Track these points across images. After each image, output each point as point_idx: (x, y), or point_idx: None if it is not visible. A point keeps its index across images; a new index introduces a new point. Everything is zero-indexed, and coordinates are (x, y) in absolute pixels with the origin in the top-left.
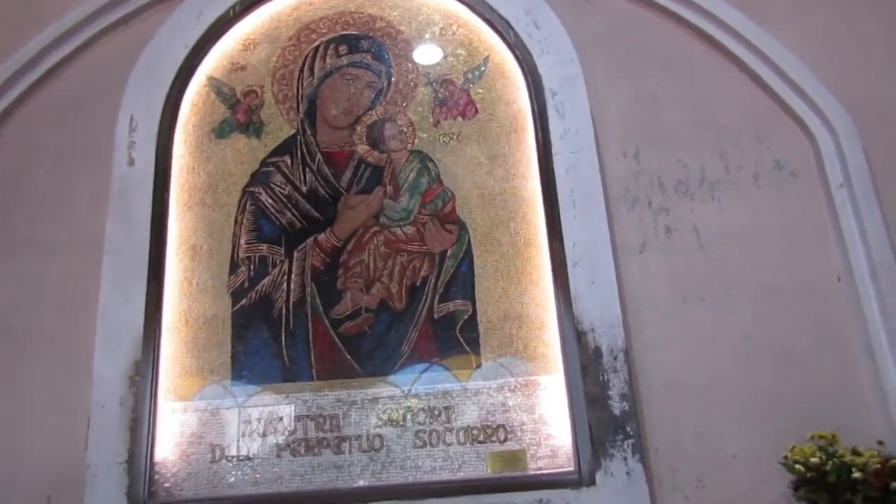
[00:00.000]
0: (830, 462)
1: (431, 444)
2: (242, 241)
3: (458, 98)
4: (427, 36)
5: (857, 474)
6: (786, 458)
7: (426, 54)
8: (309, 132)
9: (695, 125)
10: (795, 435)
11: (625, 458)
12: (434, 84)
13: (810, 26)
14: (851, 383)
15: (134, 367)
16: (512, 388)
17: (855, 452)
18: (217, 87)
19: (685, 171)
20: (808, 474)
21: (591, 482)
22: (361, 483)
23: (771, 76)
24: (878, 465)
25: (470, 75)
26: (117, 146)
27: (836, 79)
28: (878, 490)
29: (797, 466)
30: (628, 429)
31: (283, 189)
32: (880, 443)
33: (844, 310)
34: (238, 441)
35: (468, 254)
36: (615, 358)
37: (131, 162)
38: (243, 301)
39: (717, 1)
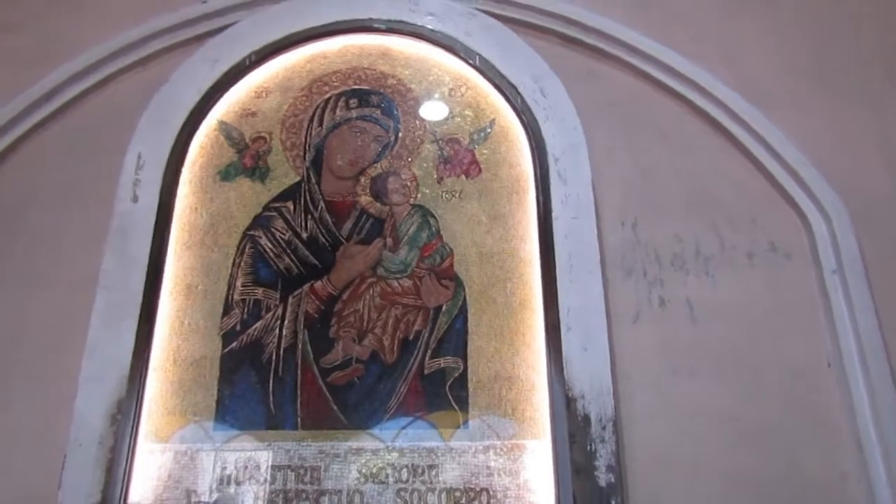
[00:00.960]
0: None
1: None
2: (238, 284)
3: (463, 157)
4: (436, 95)
5: None
6: None
7: (434, 113)
8: (314, 180)
9: (691, 200)
10: None
11: None
12: (440, 142)
13: (807, 113)
14: (838, 472)
15: (116, 406)
16: (497, 450)
17: None
18: (227, 131)
19: (681, 244)
20: None
21: None
22: None
23: (767, 158)
24: None
25: (476, 136)
26: (122, 183)
27: (831, 165)
28: None
29: None
30: (613, 502)
31: (283, 234)
32: None
33: (833, 396)
34: (213, 487)
35: (463, 311)
36: (604, 427)
37: (135, 199)
38: (234, 344)
39: (717, 82)
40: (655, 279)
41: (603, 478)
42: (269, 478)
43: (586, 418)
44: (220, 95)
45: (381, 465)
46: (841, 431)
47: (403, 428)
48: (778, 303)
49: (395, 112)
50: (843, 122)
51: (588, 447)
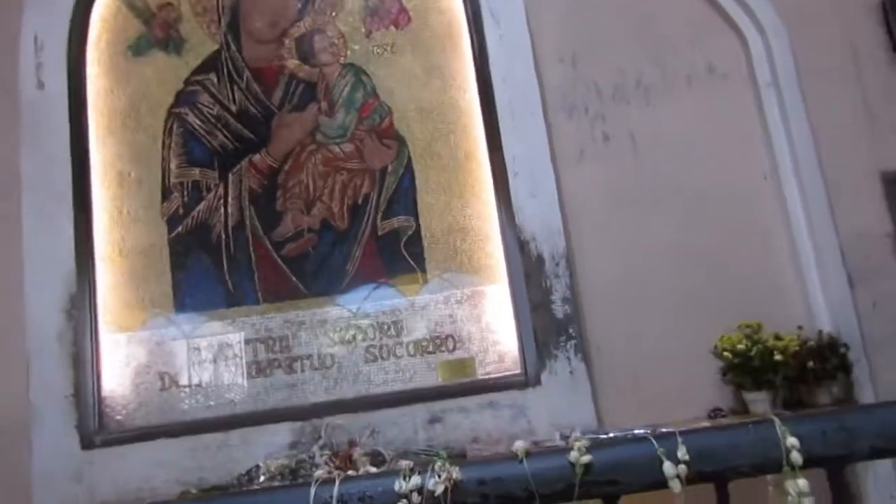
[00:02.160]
0: (755, 348)
1: (382, 358)
2: (173, 166)
3: (390, 6)
4: None
5: (778, 357)
6: (715, 346)
7: None
8: (234, 47)
9: (630, 30)
10: (724, 326)
11: (568, 359)
12: None
13: None
14: (775, 275)
15: (69, 301)
16: (458, 300)
17: (777, 338)
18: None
19: (622, 76)
20: (735, 360)
21: (537, 382)
22: (315, 400)
23: None
24: (797, 348)
25: None
26: (22, 69)
27: None
28: (795, 370)
29: (725, 353)
30: (571, 331)
31: (211, 109)
32: (800, 328)
33: (770, 207)
34: (189, 369)
35: (409, 169)
36: (557, 264)
37: (40, 85)
38: (179, 228)
39: None
40: (597, 114)
41: (560, 310)
42: (239, 353)
43: (539, 258)
44: None
45: (350, 329)
46: (778, 239)
47: (370, 292)
48: (716, 124)
49: None
50: None
51: (544, 284)
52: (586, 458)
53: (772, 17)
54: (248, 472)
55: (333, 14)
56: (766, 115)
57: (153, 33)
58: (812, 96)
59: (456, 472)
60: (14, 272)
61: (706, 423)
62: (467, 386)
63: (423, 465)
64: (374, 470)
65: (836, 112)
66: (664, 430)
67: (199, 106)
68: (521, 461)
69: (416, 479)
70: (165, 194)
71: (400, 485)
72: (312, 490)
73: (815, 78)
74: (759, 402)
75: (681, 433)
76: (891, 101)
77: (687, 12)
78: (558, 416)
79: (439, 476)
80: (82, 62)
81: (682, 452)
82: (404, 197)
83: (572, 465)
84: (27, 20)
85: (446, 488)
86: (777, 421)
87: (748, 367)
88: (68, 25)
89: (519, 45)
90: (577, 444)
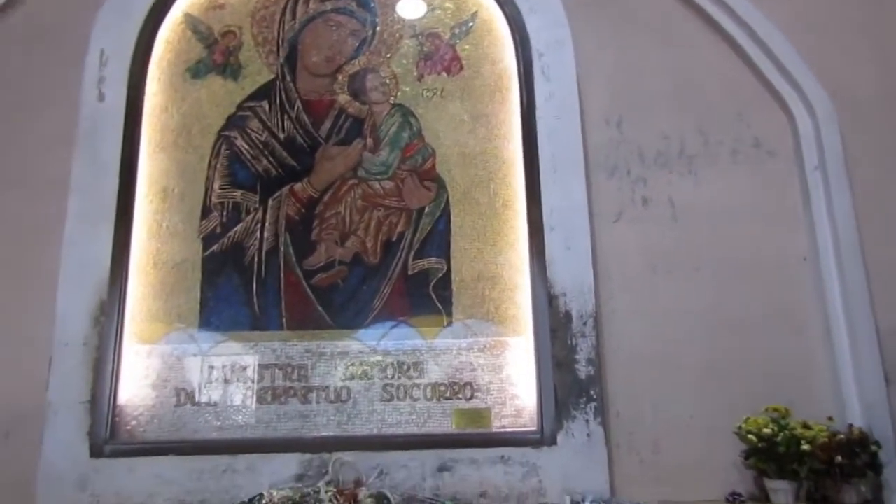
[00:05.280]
0: (781, 434)
1: (398, 399)
2: (216, 186)
3: (444, 53)
4: None
5: (805, 447)
6: (740, 427)
7: (413, 5)
8: (289, 78)
9: (678, 98)
10: (750, 407)
11: (586, 421)
12: (420, 37)
13: (801, 9)
14: (807, 361)
15: (99, 307)
16: (480, 347)
17: (805, 426)
18: (193, 24)
19: (665, 142)
20: (760, 444)
21: (553, 442)
22: (326, 433)
23: (758, 53)
24: (826, 440)
25: (457, 30)
26: (86, 81)
27: (821, 62)
28: (823, 463)
29: (750, 436)
30: (592, 392)
31: (259, 135)
32: (829, 419)
33: (807, 290)
34: (203, 387)
35: (445, 212)
36: (584, 323)
37: (101, 98)
38: (214, 247)
39: None
40: (639, 178)
41: (583, 370)
42: (256, 377)
43: (567, 315)
44: None
45: (368, 365)
46: (812, 323)
47: (391, 329)
48: (758, 199)
49: (372, 4)
50: (836, 19)
51: (569, 342)
52: None
53: (822, 98)
54: (251, 500)
55: (388, 55)
56: (811, 197)
57: (212, 58)
58: (859, 183)
59: None
60: (49, 272)
61: None
62: (481, 437)
63: None
64: None
65: (882, 201)
66: None
67: (249, 131)
68: None
69: None
70: (205, 212)
71: None
72: None
73: (863, 164)
74: (781, 491)
75: None
76: None
77: (735, 84)
78: (571, 480)
79: None
80: (143, 79)
81: None
82: (438, 239)
83: None
84: (96, 36)
85: None
86: None
87: (773, 453)
88: (134, 44)
89: (567, 103)
90: None
